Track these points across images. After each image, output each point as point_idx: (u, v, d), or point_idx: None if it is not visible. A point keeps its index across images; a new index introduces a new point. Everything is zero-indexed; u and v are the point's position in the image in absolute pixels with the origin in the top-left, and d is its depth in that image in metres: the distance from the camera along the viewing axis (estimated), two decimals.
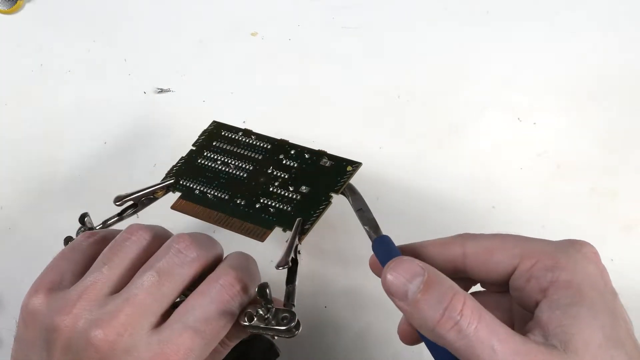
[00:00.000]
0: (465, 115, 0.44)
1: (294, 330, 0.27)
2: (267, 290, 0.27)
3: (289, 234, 0.32)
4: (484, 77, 0.44)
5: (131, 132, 0.45)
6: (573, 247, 0.26)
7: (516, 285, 0.26)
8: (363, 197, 0.32)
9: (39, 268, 0.43)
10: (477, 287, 0.30)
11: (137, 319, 0.27)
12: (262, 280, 0.28)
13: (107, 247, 0.30)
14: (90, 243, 0.31)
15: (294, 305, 0.29)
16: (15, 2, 0.47)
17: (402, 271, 0.25)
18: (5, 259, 0.44)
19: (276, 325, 0.28)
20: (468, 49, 0.45)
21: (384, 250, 0.28)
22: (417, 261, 0.25)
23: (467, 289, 0.29)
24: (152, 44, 0.47)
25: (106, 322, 0.26)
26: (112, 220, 0.36)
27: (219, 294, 0.28)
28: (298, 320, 0.28)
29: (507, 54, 0.45)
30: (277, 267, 0.30)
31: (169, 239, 0.30)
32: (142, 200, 0.36)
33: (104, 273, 0.28)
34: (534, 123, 0.44)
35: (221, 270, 0.29)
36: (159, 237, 0.30)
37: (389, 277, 0.25)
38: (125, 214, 0.36)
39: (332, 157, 0.35)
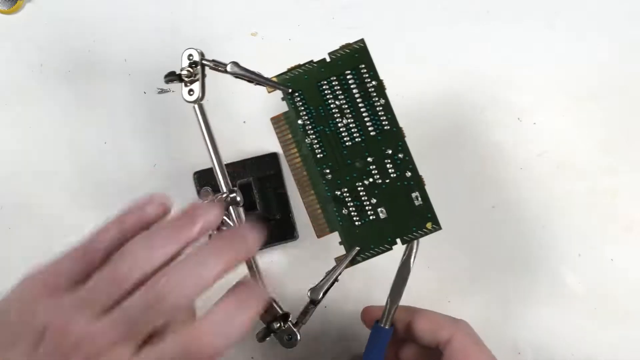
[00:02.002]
0: (466, 115, 0.44)
1: (292, 346, 0.31)
2: (289, 320, 0.31)
3: (340, 249, 0.33)
4: (484, 77, 0.44)
5: (131, 132, 0.45)
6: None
7: None
8: (412, 264, 0.33)
9: None
10: None
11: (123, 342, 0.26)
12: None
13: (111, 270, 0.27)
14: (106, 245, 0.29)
15: (304, 324, 0.31)
16: (15, 2, 0.47)
17: None
18: (5, 259, 0.44)
19: (279, 339, 0.31)
20: (468, 49, 0.45)
21: (376, 346, 0.33)
22: None
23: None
24: (152, 44, 0.47)
25: (97, 338, 0.26)
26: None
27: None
28: (299, 340, 0.31)
29: (507, 54, 0.45)
30: (311, 297, 0.31)
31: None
32: (253, 81, 0.33)
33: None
34: (534, 123, 0.44)
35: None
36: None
37: None
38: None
39: (424, 196, 0.33)
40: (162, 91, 0.46)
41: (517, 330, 0.41)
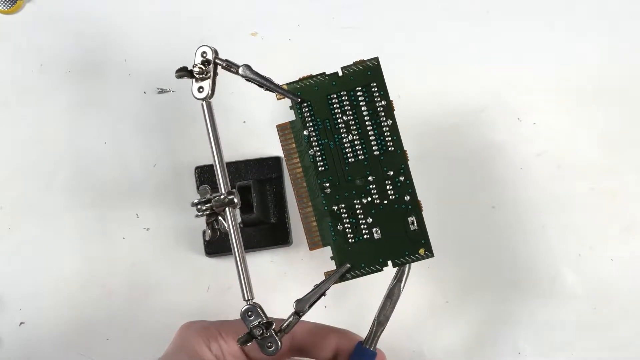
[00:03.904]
0: (465, 115, 0.44)
1: (273, 354, 0.31)
2: (272, 328, 0.31)
3: (331, 262, 0.33)
4: (484, 77, 0.44)
5: (131, 132, 0.45)
6: None
7: None
8: (402, 288, 0.33)
9: (39, 268, 0.43)
10: None
11: None
12: None
13: None
14: None
15: (286, 333, 0.31)
16: (15, 2, 0.47)
17: None
18: (5, 259, 0.44)
19: (261, 346, 0.31)
20: (468, 48, 0.45)
21: None
22: None
23: None
24: (152, 44, 0.47)
25: None
26: None
27: None
28: (280, 349, 0.31)
29: (507, 54, 0.45)
30: (296, 308, 0.31)
31: None
32: (264, 86, 0.33)
33: None
34: (534, 123, 0.44)
35: None
36: None
37: None
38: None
39: (420, 222, 0.33)
40: (161, 91, 0.46)
41: (517, 330, 0.42)
